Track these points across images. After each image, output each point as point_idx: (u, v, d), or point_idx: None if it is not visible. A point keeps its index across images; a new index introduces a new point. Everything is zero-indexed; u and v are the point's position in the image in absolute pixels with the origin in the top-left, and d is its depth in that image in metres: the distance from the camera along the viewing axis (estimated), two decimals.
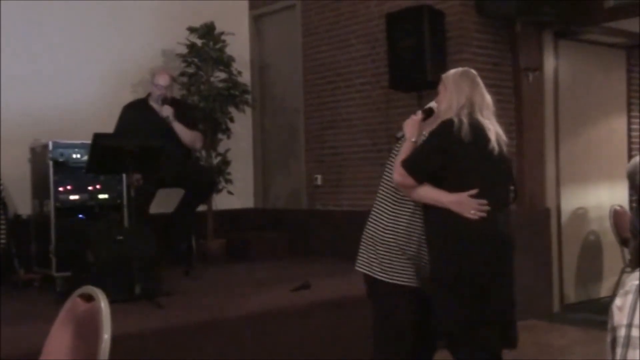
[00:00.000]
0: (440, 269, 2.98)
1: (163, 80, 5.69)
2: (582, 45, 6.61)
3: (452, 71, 3.18)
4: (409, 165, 2.99)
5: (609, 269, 6.70)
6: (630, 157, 7.08)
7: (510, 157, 3.17)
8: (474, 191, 2.91)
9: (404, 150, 3.08)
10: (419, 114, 3.16)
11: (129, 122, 5.55)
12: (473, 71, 3.15)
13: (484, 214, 2.91)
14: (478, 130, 2.94)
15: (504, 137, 3.04)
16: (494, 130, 2.99)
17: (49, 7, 6.14)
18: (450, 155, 2.96)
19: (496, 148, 2.96)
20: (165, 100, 5.58)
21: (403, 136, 3.15)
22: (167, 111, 5.52)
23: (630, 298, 1.48)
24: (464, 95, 3.02)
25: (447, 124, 2.96)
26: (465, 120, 2.94)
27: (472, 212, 2.91)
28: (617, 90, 7.03)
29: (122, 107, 5.67)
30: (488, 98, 3.07)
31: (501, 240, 2.99)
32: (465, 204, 2.93)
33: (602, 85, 6.83)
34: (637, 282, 1.50)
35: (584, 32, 6.37)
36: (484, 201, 2.92)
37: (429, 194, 2.99)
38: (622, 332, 1.47)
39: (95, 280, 4.08)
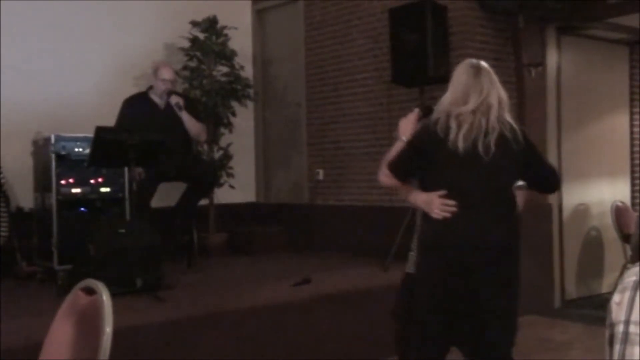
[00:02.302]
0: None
1: (168, 73, 5.68)
2: (585, 41, 6.60)
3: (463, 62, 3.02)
4: (391, 165, 2.96)
5: (610, 265, 6.70)
6: (632, 153, 7.08)
7: (518, 156, 2.87)
8: (442, 192, 2.81)
9: (393, 149, 3.02)
10: (416, 112, 3.10)
11: (129, 116, 5.55)
12: (481, 63, 2.96)
13: (447, 215, 2.80)
14: (453, 128, 2.79)
15: (508, 134, 2.81)
16: (482, 128, 2.78)
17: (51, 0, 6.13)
18: (424, 155, 2.88)
19: (482, 148, 2.77)
20: (170, 91, 5.60)
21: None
22: (175, 99, 5.54)
23: (628, 294, 1.48)
24: (459, 90, 2.88)
25: (428, 122, 2.89)
26: (444, 117, 2.82)
27: (436, 211, 2.82)
28: (619, 86, 7.01)
29: (123, 101, 5.67)
30: (492, 94, 2.86)
31: (465, 247, 2.81)
32: (433, 203, 2.84)
33: (604, 81, 6.82)
34: (634, 278, 1.50)
35: (587, 27, 6.35)
36: (451, 202, 2.80)
37: (410, 196, 2.98)
38: (620, 329, 1.47)
39: (97, 273, 4.10)
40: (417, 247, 3.09)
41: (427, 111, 3.09)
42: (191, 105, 5.85)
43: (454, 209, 2.80)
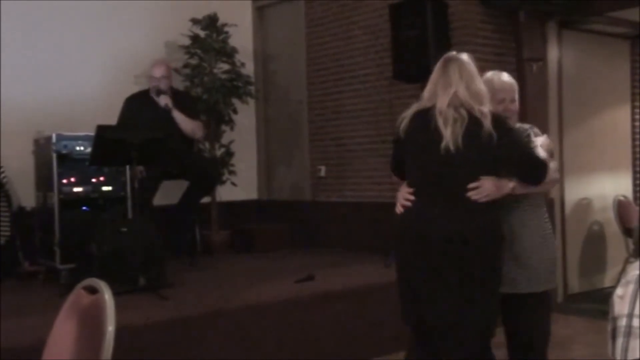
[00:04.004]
0: None
1: (158, 71, 5.68)
2: (586, 36, 6.59)
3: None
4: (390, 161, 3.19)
5: (613, 259, 6.71)
6: (634, 147, 7.08)
7: (493, 149, 2.82)
8: (408, 189, 2.93)
9: None
10: None
11: (131, 114, 5.56)
12: (453, 56, 2.95)
13: (401, 209, 2.94)
14: (421, 122, 2.88)
15: (486, 128, 2.76)
16: (450, 121, 2.79)
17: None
18: (398, 150, 3.05)
19: (446, 142, 2.78)
20: (159, 91, 5.59)
21: None
22: (164, 100, 5.54)
23: (631, 288, 1.48)
24: (430, 85, 2.95)
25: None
26: (409, 112, 2.95)
27: (398, 204, 2.97)
28: (621, 80, 7.01)
29: (124, 100, 5.67)
30: (460, 88, 2.84)
31: (421, 237, 2.84)
32: (398, 196, 2.99)
33: (606, 76, 6.81)
34: (637, 272, 1.50)
35: (588, 22, 6.34)
36: (410, 197, 2.91)
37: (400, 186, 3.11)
38: (623, 322, 1.47)
39: (99, 272, 4.10)
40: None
41: None
42: (184, 103, 5.80)
43: (408, 203, 2.91)
